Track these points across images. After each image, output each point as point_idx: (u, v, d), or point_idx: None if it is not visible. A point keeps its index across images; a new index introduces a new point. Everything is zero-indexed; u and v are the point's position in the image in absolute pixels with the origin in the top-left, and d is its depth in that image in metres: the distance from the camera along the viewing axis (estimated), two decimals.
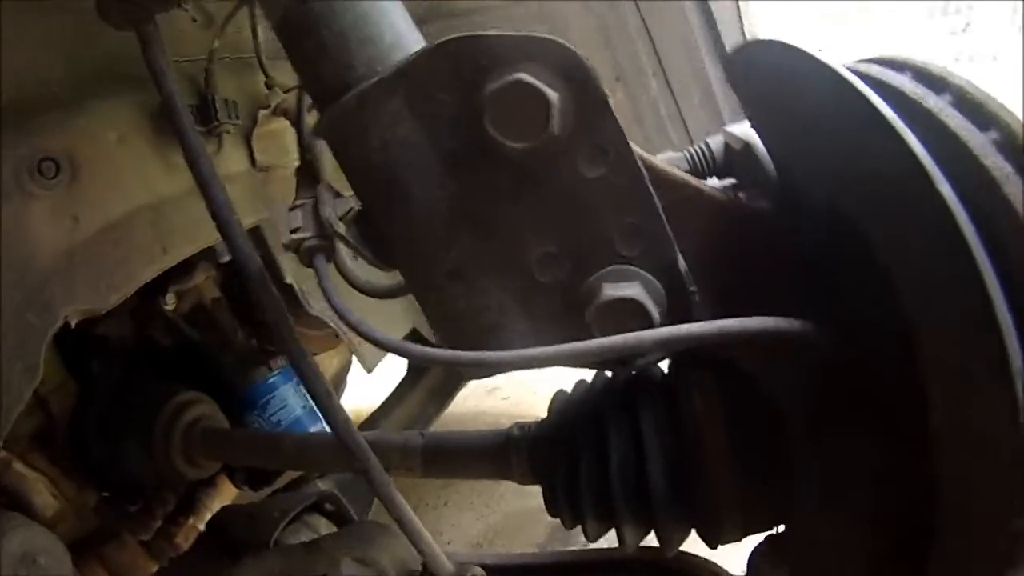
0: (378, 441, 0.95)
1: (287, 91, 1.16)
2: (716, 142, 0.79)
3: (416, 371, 2.01)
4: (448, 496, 2.15)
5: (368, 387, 1.98)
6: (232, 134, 1.12)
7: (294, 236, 0.71)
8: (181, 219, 1.06)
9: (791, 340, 0.64)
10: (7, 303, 0.86)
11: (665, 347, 0.68)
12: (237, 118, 1.11)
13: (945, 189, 0.51)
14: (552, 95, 0.60)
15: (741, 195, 0.76)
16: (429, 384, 1.99)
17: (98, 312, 0.95)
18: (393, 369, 1.96)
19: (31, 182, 0.89)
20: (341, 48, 0.66)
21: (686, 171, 0.76)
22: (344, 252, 0.74)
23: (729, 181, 0.78)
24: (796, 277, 0.67)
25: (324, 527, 1.29)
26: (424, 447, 0.98)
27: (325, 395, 0.78)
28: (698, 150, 0.80)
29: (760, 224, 0.72)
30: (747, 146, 0.75)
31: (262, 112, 1.15)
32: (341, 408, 0.78)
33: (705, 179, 0.78)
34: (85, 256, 0.95)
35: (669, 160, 0.79)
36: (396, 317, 1.60)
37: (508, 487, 1.98)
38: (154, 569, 1.33)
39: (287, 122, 1.17)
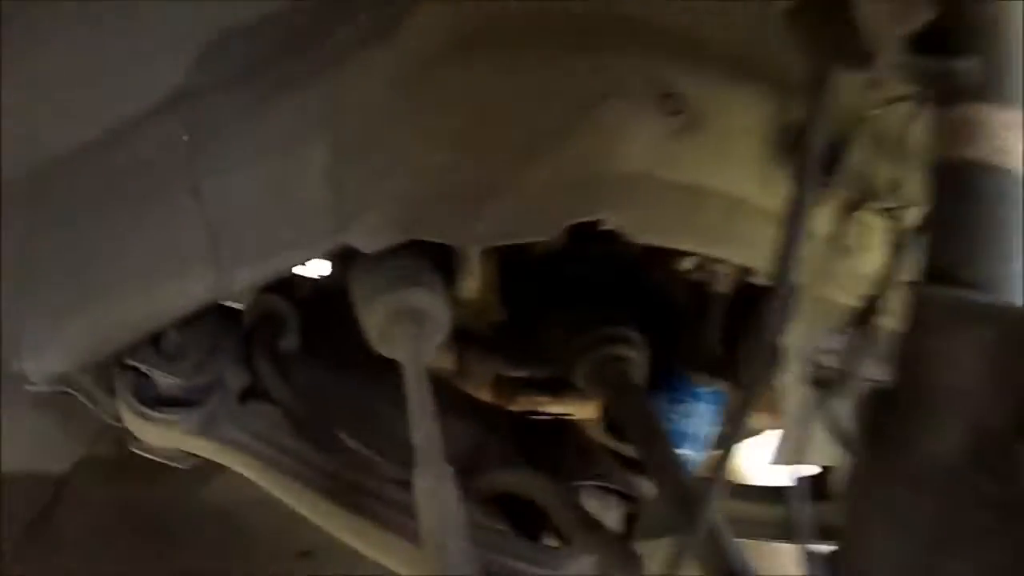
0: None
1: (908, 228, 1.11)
2: None
3: None
4: None
5: None
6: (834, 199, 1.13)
7: (817, 356, 0.76)
8: (743, 228, 1.13)
9: None
10: None
11: None
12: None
13: None
14: None
15: None
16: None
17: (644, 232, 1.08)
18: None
19: (649, 105, 1.02)
20: (975, 242, 0.66)
21: None
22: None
23: None
24: None
25: (611, 519, 1.33)
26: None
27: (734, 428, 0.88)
28: None
29: None
30: None
31: (871, 203, 1.14)
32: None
33: None
34: (646, 184, 1.07)
35: None
36: None
37: None
38: (474, 394, 1.51)
39: (880, 228, 1.14)
